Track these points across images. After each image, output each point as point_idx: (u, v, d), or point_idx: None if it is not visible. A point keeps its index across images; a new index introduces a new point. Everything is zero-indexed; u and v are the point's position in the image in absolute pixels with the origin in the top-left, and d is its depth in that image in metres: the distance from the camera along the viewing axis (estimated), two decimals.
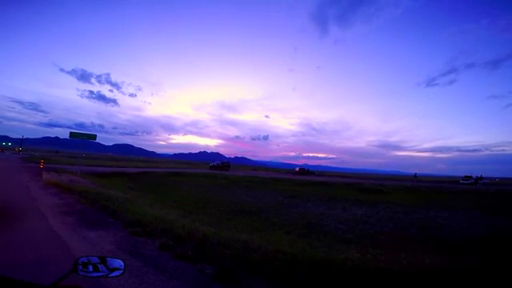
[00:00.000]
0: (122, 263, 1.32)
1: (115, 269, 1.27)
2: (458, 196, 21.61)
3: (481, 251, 6.68)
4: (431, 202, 16.80)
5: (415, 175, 50.67)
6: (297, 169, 56.94)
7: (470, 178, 42.06)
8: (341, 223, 9.68)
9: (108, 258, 1.30)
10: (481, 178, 41.03)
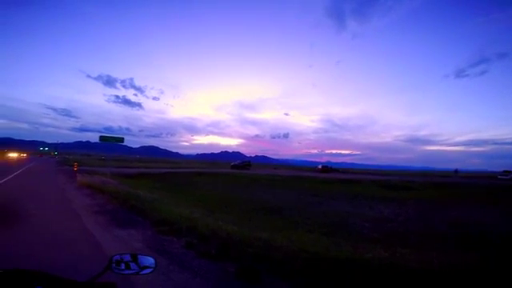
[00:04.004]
0: (153, 261, 1.37)
1: (146, 267, 1.33)
2: (494, 192, 20.07)
3: None
4: (465, 199, 15.76)
5: (456, 171, 47.20)
6: (319, 166, 55.83)
7: (510, 172, 38.84)
8: (367, 222, 9.37)
9: (140, 256, 1.36)
10: (508, 172, 37.50)
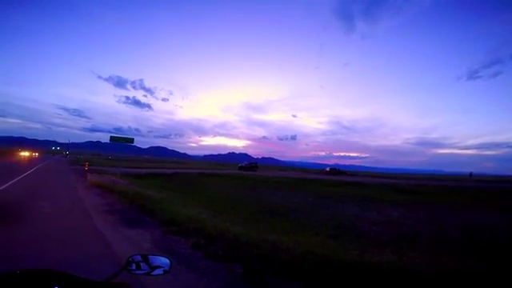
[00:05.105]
0: (168, 261, 1.36)
1: (160, 267, 1.32)
2: (508, 197, 19.48)
3: None
4: (478, 204, 15.34)
5: (471, 174, 45.79)
6: (327, 169, 55.30)
7: None
8: (375, 225, 9.23)
9: (156, 256, 1.37)
10: None
